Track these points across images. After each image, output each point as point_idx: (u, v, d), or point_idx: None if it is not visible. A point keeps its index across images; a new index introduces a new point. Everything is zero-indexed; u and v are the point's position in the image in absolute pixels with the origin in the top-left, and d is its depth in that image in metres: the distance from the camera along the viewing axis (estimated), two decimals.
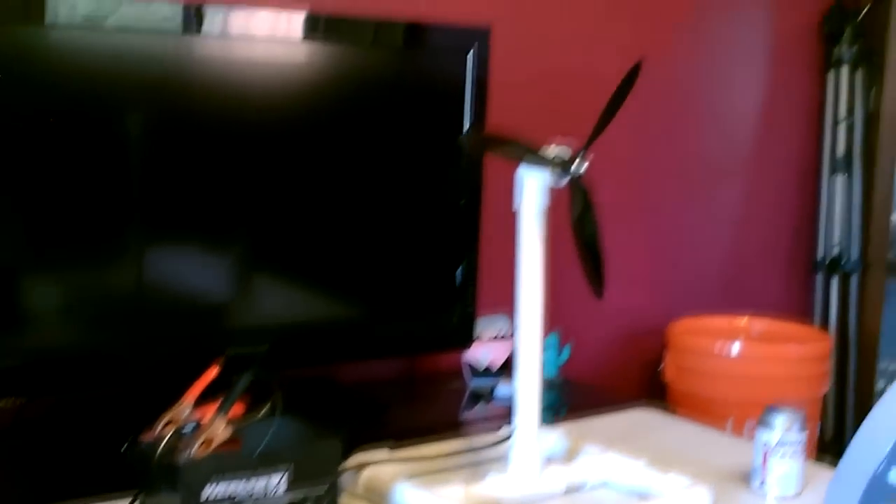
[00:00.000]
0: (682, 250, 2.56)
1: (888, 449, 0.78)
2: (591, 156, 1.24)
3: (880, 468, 0.78)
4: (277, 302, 1.72)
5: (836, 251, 2.76)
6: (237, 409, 1.12)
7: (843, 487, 0.82)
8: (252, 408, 1.10)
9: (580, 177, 1.23)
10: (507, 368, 2.01)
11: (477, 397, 1.98)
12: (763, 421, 1.35)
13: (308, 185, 1.72)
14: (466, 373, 2.02)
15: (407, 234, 1.83)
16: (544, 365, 2.06)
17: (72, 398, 1.61)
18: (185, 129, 1.59)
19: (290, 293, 1.73)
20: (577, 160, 1.22)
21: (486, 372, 2.02)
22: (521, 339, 1.27)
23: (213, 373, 1.17)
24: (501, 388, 1.94)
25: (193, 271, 1.63)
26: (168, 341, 1.61)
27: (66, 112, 1.48)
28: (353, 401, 1.84)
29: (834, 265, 2.76)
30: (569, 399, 1.99)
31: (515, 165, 1.29)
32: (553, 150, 1.24)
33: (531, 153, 1.24)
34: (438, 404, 1.98)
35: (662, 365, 2.35)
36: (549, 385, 2.05)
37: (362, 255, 1.79)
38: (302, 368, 1.77)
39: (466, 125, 1.82)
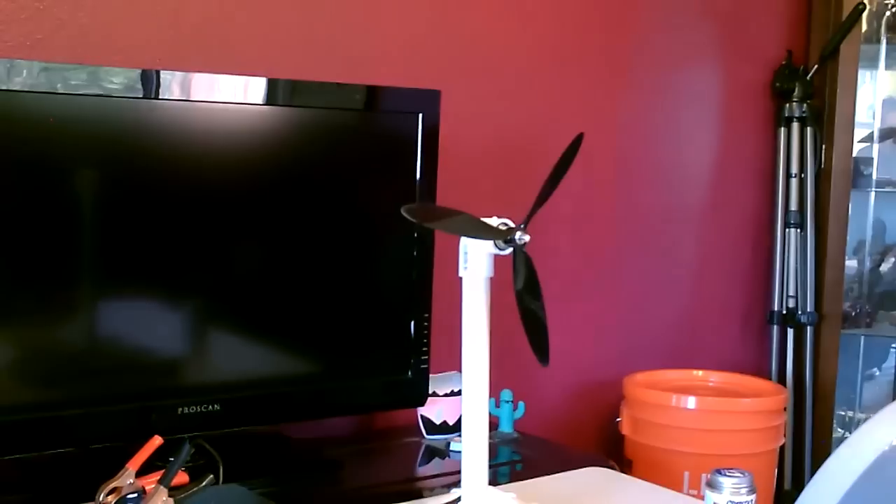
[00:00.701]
0: (638, 305, 2.59)
1: None
2: (529, 234, 1.26)
3: None
4: (231, 359, 1.72)
5: (790, 304, 2.79)
6: (180, 478, 1.12)
7: None
8: (193, 480, 1.10)
9: (523, 247, 1.24)
10: (460, 425, 2.01)
11: (432, 453, 1.98)
12: (711, 484, 1.37)
13: (264, 245, 1.73)
14: (422, 429, 2.03)
15: (360, 292, 1.85)
16: (500, 420, 2.08)
17: (15, 459, 1.59)
18: (140, 188, 1.60)
19: (244, 351, 1.74)
20: (520, 231, 1.24)
21: (442, 427, 2.02)
22: (466, 405, 1.28)
23: (156, 442, 1.17)
24: (455, 444, 1.95)
25: (146, 329, 1.64)
26: (119, 399, 1.60)
27: (20, 171, 1.49)
28: (306, 458, 1.84)
29: (789, 318, 2.79)
30: (524, 454, 1.99)
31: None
32: (496, 221, 1.26)
33: (473, 226, 1.25)
34: (393, 460, 1.99)
35: (619, 418, 2.36)
36: (505, 440, 2.06)
37: (317, 314, 1.80)
38: (255, 426, 1.77)
39: (417, 184, 1.85)
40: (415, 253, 1.86)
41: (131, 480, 1.12)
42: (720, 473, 1.37)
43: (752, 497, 1.36)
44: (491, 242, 1.26)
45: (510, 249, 1.25)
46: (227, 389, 1.70)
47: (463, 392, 1.29)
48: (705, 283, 2.73)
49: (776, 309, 2.80)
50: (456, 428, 2.02)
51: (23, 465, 1.58)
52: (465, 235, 1.27)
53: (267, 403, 1.75)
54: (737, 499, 1.35)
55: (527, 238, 1.25)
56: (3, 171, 1.47)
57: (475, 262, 1.28)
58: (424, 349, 1.89)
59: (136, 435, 1.41)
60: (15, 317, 1.53)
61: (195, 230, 1.65)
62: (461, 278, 1.31)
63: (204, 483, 1.10)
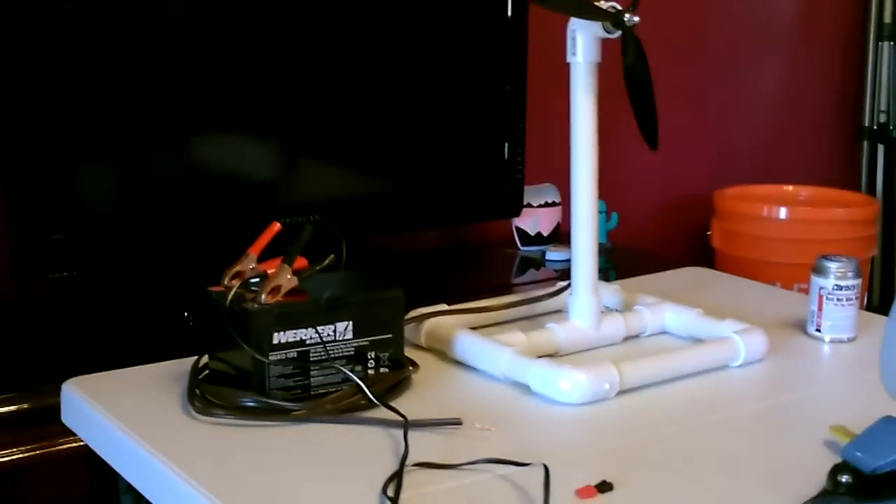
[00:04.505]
0: (728, 120, 2.55)
1: None
2: (642, 4, 1.24)
3: None
4: (330, 176, 1.74)
5: (881, 119, 2.73)
6: (300, 262, 1.14)
7: None
8: (313, 263, 1.12)
9: (632, 27, 1.22)
10: (556, 235, 2.03)
11: (528, 263, 2.00)
12: (817, 268, 1.36)
13: (356, 64, 1.72)
14: (517, 240, 2.04)
15: (455, 106, 1.84)
16: None
17: (129, 272, 1.64)
18: (227, 14, 1.60)
19: (345, 167, 1.75)
20: (629, 13, 1.22)
21: (537, 238, 2.04)
22: (576, 184, 1.28)
23: (275, 228, 1.19)
24: (551, 254, 1.97)
25: (241, 151, 1.66)
26: (218, 218, 1.63)
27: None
28: (408, 268, 1.87)
29: (880, 133, 2.73)
30: (620, 262, 2.01)
31: (566, 19, 1.28)
32: (604, 3, 1.24)
33: (583, 5, 1.23)
34: (491, 270, 2.01)
35: (710, 231, 2.36)
36: (599, 250, 2.07)
37: (413, 128, 1.81)
38: (358, 239, 1.80)
39: None
40: (508, 62, 1.84)
41: (253, 265, 1.14)
42: (826, 259, 1.37)
43: (858, 281, 1.36)
44: (599, 25, 1.24)
45: (619, 32, 1.23)
46: (326, 205, 1.72)
47: (573, 178, 1.29)
48: (795, 98, 2.68)
49: (867, 124, 2.74)
50: (551, 238, 2.03)
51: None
52: (575, 16, 1.24)
53: (366, 216, 1.77)
54: (843, 283, 1.34)
55: (636, 19, 1.23)
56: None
57: (584, 45, 1.26)
58: (519, 160, 1.89)
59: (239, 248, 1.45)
60: (117, 142, 1.55)
61: (282, 51, 1.66)
62: (568, 65, 1.29)
63: (326, 262, 1.12)
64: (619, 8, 1.24)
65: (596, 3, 1.25)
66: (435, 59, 1.80)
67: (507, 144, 1.88)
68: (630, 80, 1.23)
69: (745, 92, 2.57)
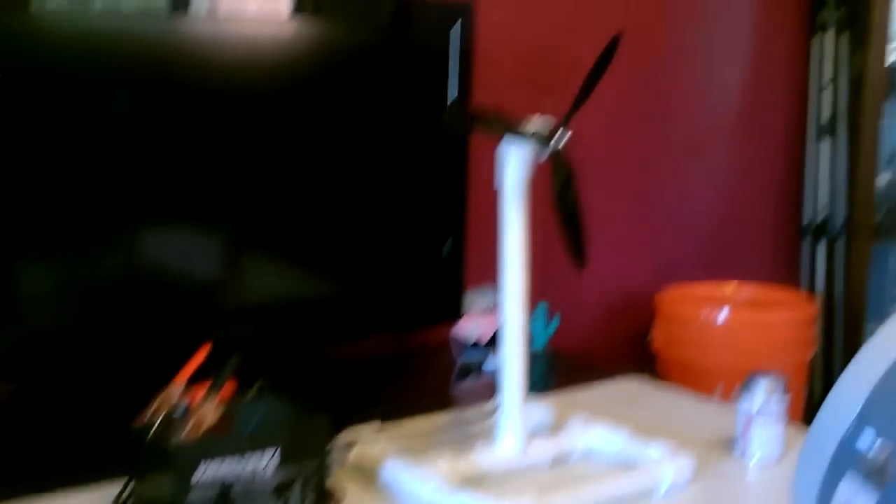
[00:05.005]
0: (670, 218, 2.58)
1: (855, 415, 0.80)
2: (571, 131, 1.26)
3: (847, 434, 0.80)
4: (266, 282, 1.73)
5: (822, 216, 2.77)
6: (226, 390, 1.14)
7: (813, 454, 0.84)
8: (241, 389, 1.12)
9: (561, 150, 1.24)
10: (496, 342, 2.02)
11: (467, 371, 2.00)
12: (745, 388, 1.37)
13: (296, 162, 1.73)
14: (456, 347, 2.04)
15: (394, 209, 1.85)
16: (533, 336, 2.09)
17: (60, 382, 1.62)
18: (173, 108, 1.60)
19: (279, 272, 1.75)
20: (558, 134, 1.24)
21: (476, 345, 2.03)
22: (505, 313, 1.29)
23: (202, 355, 1.18)
24: (491, 362, 1.96)
25: (183, 252, 1.65)
26: (157, 323, 1.62)
27: (54, 94, 1.49)
28: (343, 377, 1.86)
29: (820, 230, 2.77)
30: (557, 370, 2.01)
31: (497, 140, 1.30)
32: (534, 125, 1.25)
33: (512, 128, 1.25)
34: (428, 378, 2.00)
35: (651, 334, 2.37)
36: (538, 356, 2.07)
37: (350, 232, 1.80)
38: (292, 348, 1.79)
39: (451, 99, 1.84)
40: (449, 166, 1.85)
41: (179, 394, 1.13)
42: (754, 377, 1.38)
43: (786, 398, 1.37)
44: (530, 145, 1.25)
45: (549, 153, 1.25)
46: (263, 312, 1.71)
47: (503, 299, 1.30)
48: (737, 195, 2.71)
49: (808, 221, 2.78)
50: (489, 346, 2.03)
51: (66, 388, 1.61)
52: (503, 139, 1.26)
53: (304, 325, 1.77)
54: (770, 402, 1.36)
55: (565, 139, 1.25)
56: (32, 92, 1.47)
57: (514, 166, 1.27)
58: (459, 266, 1.90)
59: (176, 361, 1.43)
60: (56, 241, 1.54)
61: (227, 149, 1.65)
62: (496, 190, 1.31)
63: (254, 388, 1.12)
64: (549, 129, 1.27)
65: (524, 127, 1.27)
66: (376, 159, 1.80)
67: (447, 250, 1.89)
68: (557, 204, 1.24)
69: (688, 189, 2.61)
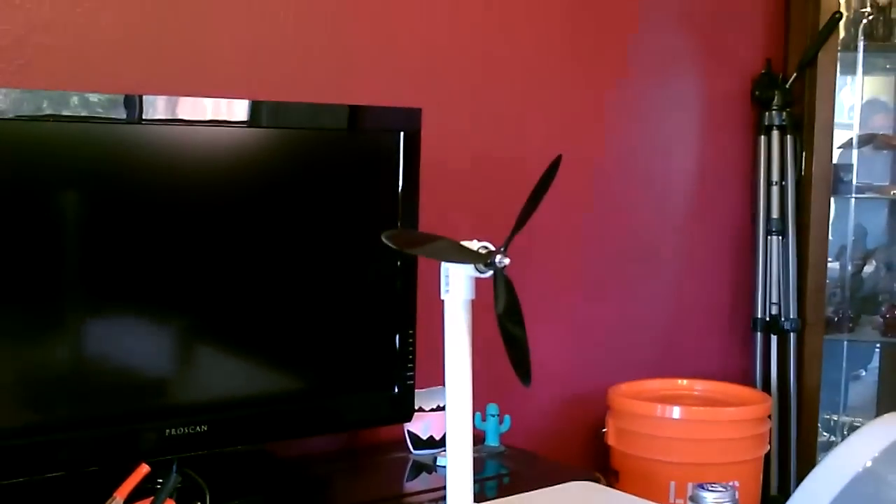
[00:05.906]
0: (621, 315, 2.60)
1: None
2: (509, 258, 1.26)
3: None
4: (216, 378, 1.73)
5: (773, 310, 2.81)
6: None
7: None
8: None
9: (503, 270, 1.25)
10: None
11: (419, 468, 2.00)
12: (693, 499, 1.37)
13: (248, 265, 1.74)
14: (408, 444, 2.04)
15: (345, 310, 1.86)
16: (487, 434, 2.10)
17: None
18: (125, 210, 1.61)
19: (230, 370, 1.75)
20: (500, 254, 1.25)
21: (429, 442, 2.04)
22: (450, 424, 1.29)
23: (143, 470, 1.18)
24: (443, 459, 1.96)
25: (131, 350, 1.65)
26: (104, 422, 1.61)
27: (4, 195, 1.50)
28: (293, 477, 1.85)
29: (772, 324, 2.81)
30: (511, 468, 2.01)
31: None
32: (476, 244, 1.27)
33: (453, 251, 1.26)
34: (381, 476, 2.00)
35: (604, 429, 2.38)
36: (491, 454, 2.08)
37: (302, 332, 1.81)
38: (242, 446, 1.78)
39: (400, 202, 1.86)
40: (399, 270, 1.87)
41: None
42: (702, 488, 1.38)
43: None
44: (471, 266, 1.27)
45: (490, 272, 1.27)
46: (214, 409, 1.71)
47: (446, 412, 1.30)
48: (688, 291, 2.75)
49: (759, 316, 2.82)
50: (443, 443, 2.03)
51: (7, 491, 1.59)
52: (445, 261, 1.28)
53: (253, 423, 1.76)
54: None
55: (506, 261, 1.26)
56: None
57: (456, 284, 1.29)
58: (410, 365, 1.91)
59: (123, 458, 1.41)
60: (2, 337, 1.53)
61: (180, 251, 1.67)
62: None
63: None
64: (492, 249, 1.28)
65: (466, 244, 1.28)
66: (329, 261, 1.82)
67: (397, 349, 1.90)
68: (501, 325, 1.25)
69: (640, 285, 2.64)
